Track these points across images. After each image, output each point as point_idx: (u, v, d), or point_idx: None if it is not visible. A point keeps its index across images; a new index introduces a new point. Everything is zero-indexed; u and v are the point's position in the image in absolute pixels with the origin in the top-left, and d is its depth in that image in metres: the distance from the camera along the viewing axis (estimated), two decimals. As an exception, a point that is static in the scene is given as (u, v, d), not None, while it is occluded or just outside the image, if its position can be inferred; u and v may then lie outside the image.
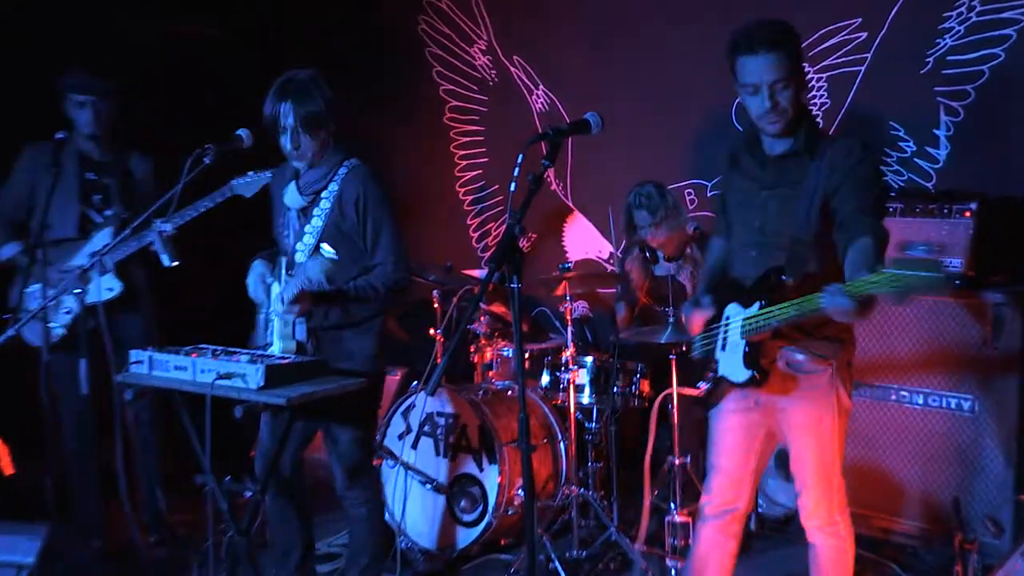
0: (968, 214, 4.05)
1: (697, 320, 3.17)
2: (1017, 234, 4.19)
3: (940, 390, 4.08)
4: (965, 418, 4.01)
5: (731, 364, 3.04)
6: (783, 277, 2.87)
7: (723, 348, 3.09)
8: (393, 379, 5.53)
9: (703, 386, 3.18)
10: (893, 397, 4.20)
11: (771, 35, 2.86)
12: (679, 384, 4.25)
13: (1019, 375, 3.91)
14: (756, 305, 2.96)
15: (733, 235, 3.17)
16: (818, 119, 4.87)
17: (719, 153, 3.24)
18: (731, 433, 3.17)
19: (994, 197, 4.15)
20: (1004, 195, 4.21)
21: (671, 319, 4.41)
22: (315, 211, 3.57)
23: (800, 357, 3.01)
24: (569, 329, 4.61)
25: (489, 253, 6.16)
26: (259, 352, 3.53)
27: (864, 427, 4.24)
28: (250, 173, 3.92)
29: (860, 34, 4.83)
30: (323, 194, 3.57)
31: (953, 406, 4.05)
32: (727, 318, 3.09)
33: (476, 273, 5.41)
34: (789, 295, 2.82)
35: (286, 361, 3.34)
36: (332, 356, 3.57)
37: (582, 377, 4.66)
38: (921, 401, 4.13)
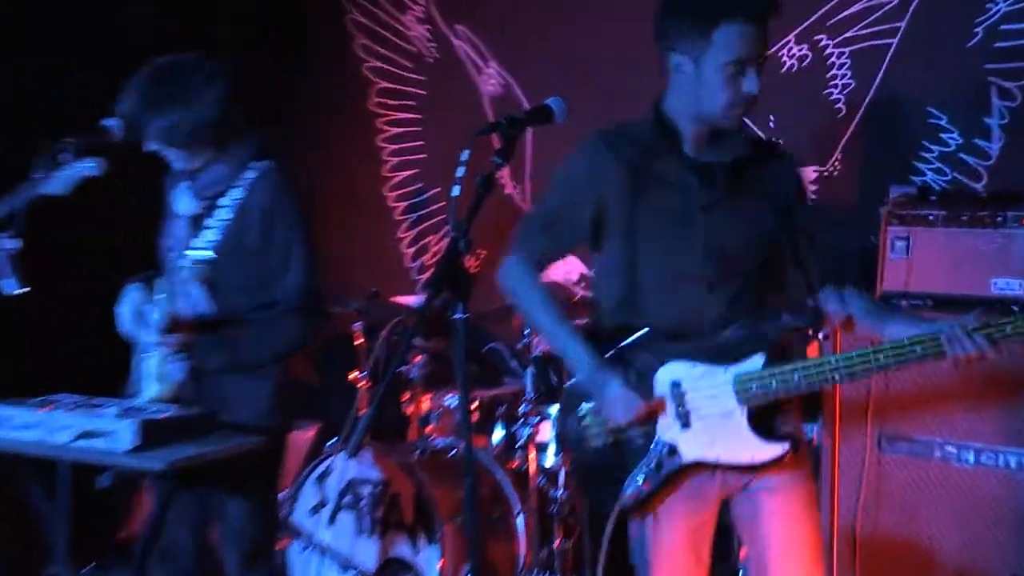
0: (1025, 222, 4.13)
1: (644, 407, 2.96)
2: None
3: (996, 444, 4.08)
4: (1025, 480, 4.07)
5: (722, 442, 2.97)
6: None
7: (686, 425, 2.99)
8: (303, 436, 5.49)
9: (642, 483, 3.00)
10: (937, 454, 4.18)
11: (770, 3, 2.87)
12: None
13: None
14: (756, 359, 2.94)
15: (641, 266, 3.04)
16: (840, 105, 5.00)
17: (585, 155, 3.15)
18: (678, 552, 3.06)
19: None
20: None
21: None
22: (210, 220, 3.57)
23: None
24: (529, 371, 4.63)
25: (427, 275, 6.16)
26: (130, 404, 3.48)
27: (901, 491, 4.22)
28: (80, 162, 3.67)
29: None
30: (222, 200, 3.56)
31: (1012, 465, 4.07)
32: (675, 384, 2.99)
33: (410, 300, 5.42)
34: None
35: (165, 415, 3.31)
36: (219, 405, 3.54)
37: (546, 432, 4.66)
38: (972, 459, 4.13)
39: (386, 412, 5.25)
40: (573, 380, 3.08)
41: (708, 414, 2.96)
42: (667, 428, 2.99)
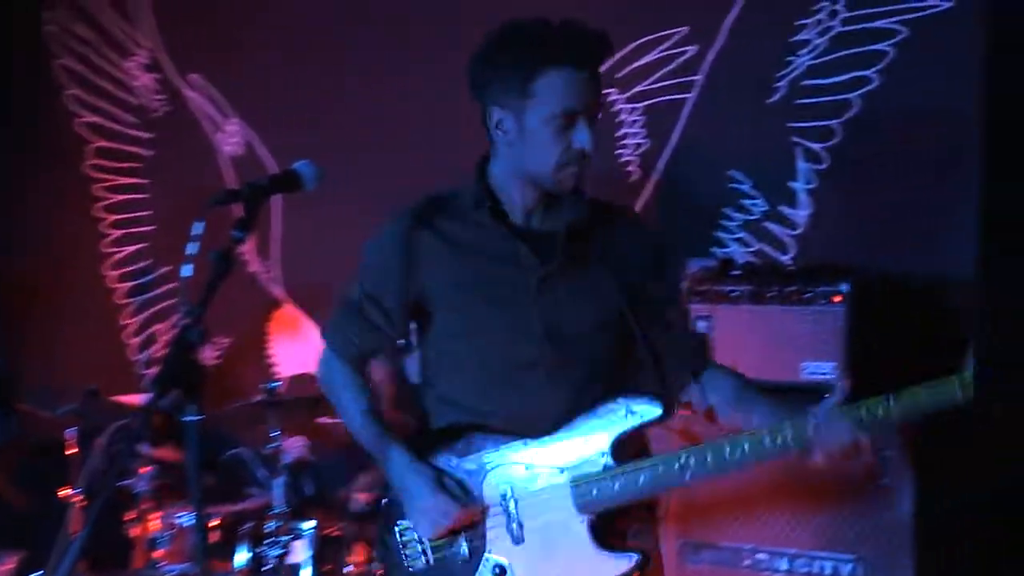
0: (839, 299, 4.22)
1: (460, 516, 2.93)
2: (904, 324, 4.42)
3: (811, 550, 4.16)
4: (846, 588, 4.14)
5: (561, 558, 2.91)
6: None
7: (519, 540, 2.95)
8: (2, 569, 5.22)
9: None
10: (747, 562, 4.25)
11: (602, 45, 2.87)
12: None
13: (915, 522, 4.05)
14: (597, 458, 2.90)
15: (469, 355, 3.01)
16: (632, 168, 5.12)
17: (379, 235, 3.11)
18: None
19: (874, 274, 4.39)
20: (885, 271, 4.49)
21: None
22: None
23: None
24: (279, 481, 4.59)
25: (155, 370, 6.09)
26: None
27: (709, 607, 4.31)
28: None
29: (689, 48, 5.08)
30: None
31: (828, 572, 4.14)
32: (505, 493, 2.95)
33: (135, 400, 5.34)
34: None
35: None
36: None
37: (299, 553, 4.60)
38: (785, 566, 4.20)
39: (106, 535, 4.80)
40: (391, 491, 3.03)
41: (544, 524, 2.91)
42: (497, 543, 2.94)
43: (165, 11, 6.21)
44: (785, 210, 4.90)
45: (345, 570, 4.60)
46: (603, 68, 2.90)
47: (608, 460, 2.88)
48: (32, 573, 5.01)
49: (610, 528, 2.91)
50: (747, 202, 4.95)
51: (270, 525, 4.61)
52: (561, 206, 2.97)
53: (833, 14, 4.80)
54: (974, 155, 4.26)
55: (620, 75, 5.08)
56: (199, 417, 2.55)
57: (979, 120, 4.26)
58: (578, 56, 2.82)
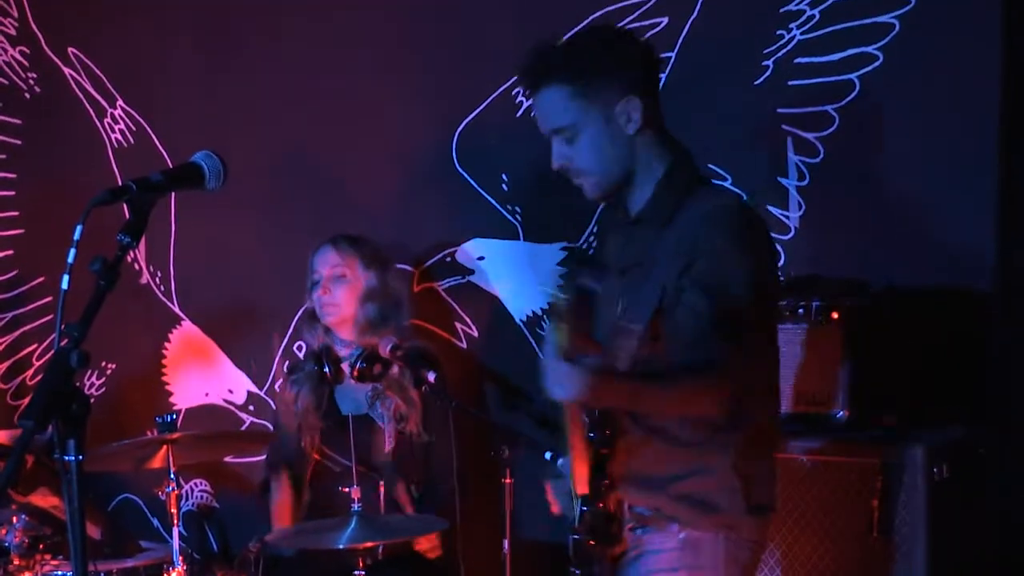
0: (836, 315, 4.28)
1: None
2: (913, 344, 4.42)
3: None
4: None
5: None
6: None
7: None
8: None
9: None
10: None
11: (538, 61, 3.48)
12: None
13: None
14: None
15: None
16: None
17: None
18: None
19: (878, 287, 4.45)
20: (891, 284, 4.50)
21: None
22: None
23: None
24: (176, 532, 4.59)
25: (26, 401, 5.95)
26: None
27: None
28: None
29: (660, 19, 5.11)
30: None
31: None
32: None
33: (2, 436, 5.39)
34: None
35: None
36: None
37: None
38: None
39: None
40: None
41: None
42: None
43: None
44: (774, 210, 4.90)
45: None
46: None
47: None
48: None
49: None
50: (729, 202, 4.97)
51: (166, 586, 4.56)
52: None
53: (829, -21, 4.79)
54: (993, 145, 4.42)
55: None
56: (79, 457, 2.57)
57: (1000, 104, 4.39)
58: (523, 82, 3.58)
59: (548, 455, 4.02)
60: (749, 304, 3.22)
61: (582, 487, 3.34)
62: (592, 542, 3.39)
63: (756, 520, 3.46)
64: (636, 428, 3.39)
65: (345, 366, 5.04)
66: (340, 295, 5.15)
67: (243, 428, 5.80)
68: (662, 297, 3.09)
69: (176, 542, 4.64)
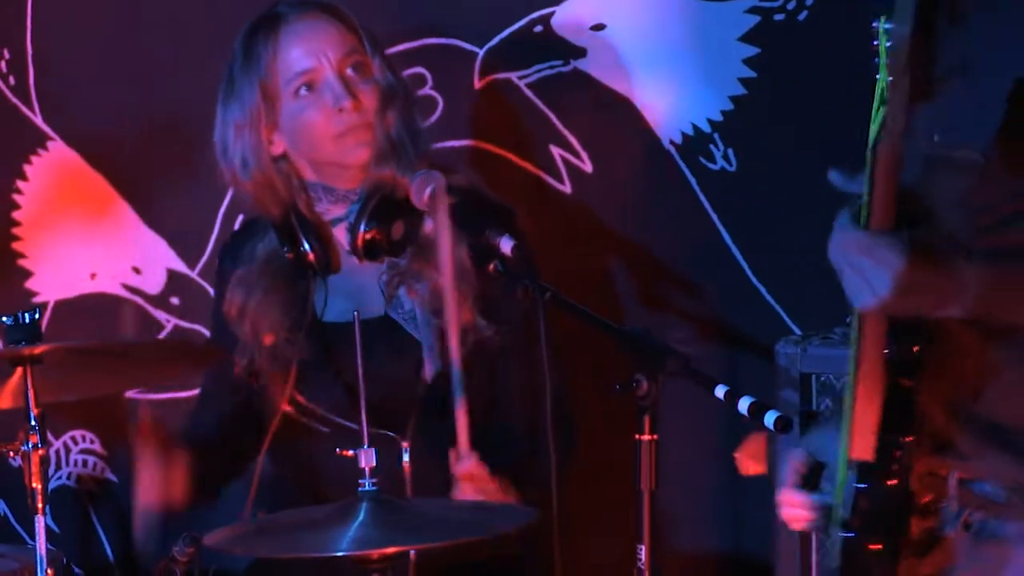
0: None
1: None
2: None
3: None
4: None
5: None
6: None
7: None
8: None
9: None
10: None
11: None
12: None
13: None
14: None
15: None
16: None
17: None
18: None
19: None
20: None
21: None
22: None
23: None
24: (40, 524, 3.89)
25: None
26: None
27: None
28: None
29: None
30: None
31: None
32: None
33: None
34: None
35: None
36: None
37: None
38: None
39: None
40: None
41: None
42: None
43: None
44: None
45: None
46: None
47: None
48: None
49: None
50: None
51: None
52: None
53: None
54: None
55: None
56: None
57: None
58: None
59: (745, 405, 3.09)
60: None
61: (862, 448, 2.76)
62: (877, 545, 2.77)
63: None
64: (984, 347, 2.70)
65: (341, 234, 4.04)
66: (369, 102, 4.05)
67: (160, 336, 5.04)
68: (1008, 107, 2.60)
69: (41, 541, 3.77)
